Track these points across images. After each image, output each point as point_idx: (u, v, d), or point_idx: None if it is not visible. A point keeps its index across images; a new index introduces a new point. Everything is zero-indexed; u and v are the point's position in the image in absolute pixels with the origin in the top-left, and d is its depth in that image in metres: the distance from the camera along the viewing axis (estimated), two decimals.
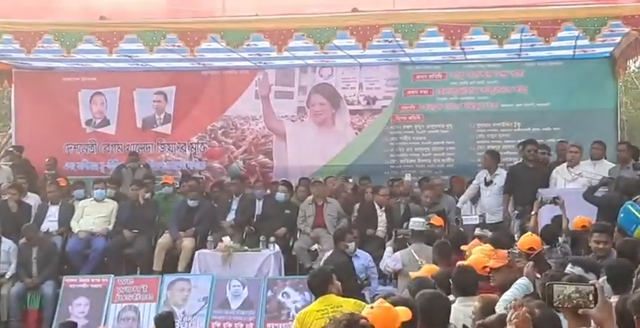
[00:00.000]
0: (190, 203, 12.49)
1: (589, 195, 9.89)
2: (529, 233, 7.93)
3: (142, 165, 13.95)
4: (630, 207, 7.98)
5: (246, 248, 11.75)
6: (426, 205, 11.81)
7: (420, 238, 9.83)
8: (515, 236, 9.14)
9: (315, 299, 6.99)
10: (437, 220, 10.57)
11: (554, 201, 9.01)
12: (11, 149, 14.27)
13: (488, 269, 6.68)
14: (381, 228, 11.81)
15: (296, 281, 11.15)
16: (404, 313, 4.20)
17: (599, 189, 10.09)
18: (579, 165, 11.18)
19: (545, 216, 9.33)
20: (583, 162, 11.26)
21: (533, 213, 9.23)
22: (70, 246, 12.05)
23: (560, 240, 8.39)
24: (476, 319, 5.07)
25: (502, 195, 11.81)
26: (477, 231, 9.89)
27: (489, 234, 9.63)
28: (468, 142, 13.94)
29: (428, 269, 7.45)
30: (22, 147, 14.16)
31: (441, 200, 12.12)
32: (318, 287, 6.96)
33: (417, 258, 9.05)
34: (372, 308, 4.20)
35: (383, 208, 11.77)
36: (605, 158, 11.41)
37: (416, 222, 9.91)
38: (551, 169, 11.57)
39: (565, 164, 11.36)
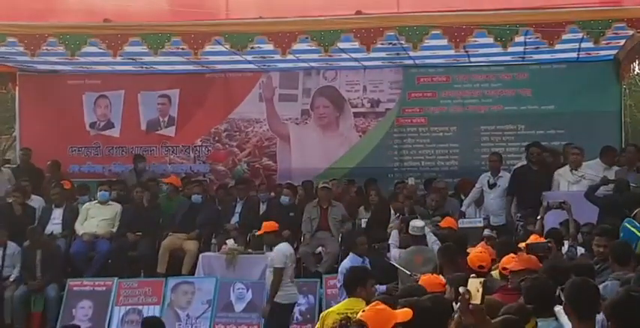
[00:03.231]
0: (194, 198, 12.49)
1: (590, 194, 9.89)
2: (534, 236, 7.92)
3: (148, 168, 14.00)
4: (628, 225, 7.96)
5: (250, 250, 11.75)
6: (431, 208, 11.79)
7: (418, 242, 9.79)
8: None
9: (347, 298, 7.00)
10: (449, 221, 10.51)
11: (561, 205, 8.97)
12: (22, 151, 14.26)
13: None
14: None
15: (300, 284, 11.13)
16: (404, 314, 4.20)
17: (600, 189, 10.09)
18: (582, 167, 11.16)
19: (550, 220, 9.31)
20: (585, 164, 11.24)
21: (539, 217, 9.19)
22: (74, 248, 12.04)
23: (567, 244, 8.36)
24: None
25: (505, 197, 11.82)
26: (487, 232, 9.88)
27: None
28: (472, 145, 13.94)
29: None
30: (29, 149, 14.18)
31: (445, 203, 12.10)
32: (348, 286, 7.00)
33: (408, 273, 8.96)
34: (363, 311, 4.29)
35: (398, 214, 11.54)
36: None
37: (414, 227, 9.86)
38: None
39: (568, 166, 11.35)
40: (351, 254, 9.57)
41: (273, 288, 9.80)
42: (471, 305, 3.78)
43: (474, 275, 4.16)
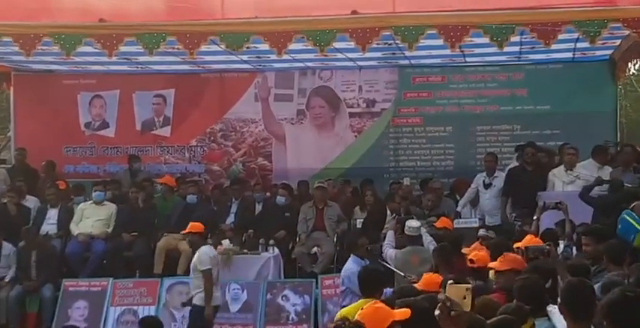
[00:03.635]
0: (189, 198, 12.50)
1: (585, 195, 9.89)
2: (530, 236, 7.92)
3: (143, 168, 13.97)
4: (627, 217, 7.96)
5: (245, 251, 11.74)
6: (427, 208, 11.78)
7: (415, 242, 9.78)
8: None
9: (362, 297, 6.89)
10: (444, 221, 10.49)
11: (557, 206, 8.96)
12: (17, 151, 14.21)
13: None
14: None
15: (295, 284, 11.15)
16: (402, 313, 4.18)
17: (595, 189, 10.09)
18: (576, 168, 11.17)
19: (546, 221, 9.29)
20: (579, 164, 11.25)
21: (535, 217, 9.19)
22: (70, 249, 12.02)
23: (562, 244, 8.35)
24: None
25: (500, 198, 11.82)
26: (482, 232, 9.87)
27: (494, 235, 9.63)
28: (467, 145, 13.94)
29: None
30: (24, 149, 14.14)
31: (441, 203, 12.10)
32: (368, 287, 6.95)
33: (402, 274, 8.94)
34: (362, 309, 4.28)
35: (394, 215, 11.54)
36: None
37: (410, 228, 9.84)
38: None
39: (562, 166, 11.35)
40: (352, 256, 9.43)
41: (209, 291, 9.73)
42: (452, 312, 3.56)
43: (451, 281, 3.90)
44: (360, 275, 7.36)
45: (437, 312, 3.61)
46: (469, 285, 3.77)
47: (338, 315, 6.65)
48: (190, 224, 10.23)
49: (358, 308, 6.36)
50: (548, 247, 7.15)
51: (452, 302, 3.57)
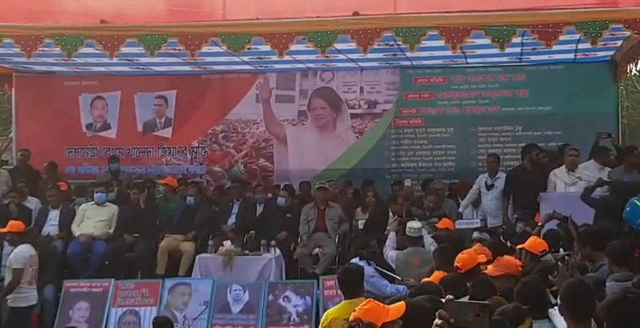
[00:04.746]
0: (189, 200, 12.51)
1: (586, 196, 9.88)
2: (533, 237, 7.93)
3: (122, 169, 14.06)
4: (637, 202, 7.97)
5: (247, 252, 11.74)
6: (429, 209, 11.77)
7: (416, 243, 9.78)
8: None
9: (345, 298, 6.79)
10: (446, 222, 10.48)
11: (565, 219, 8.90)
12: (21, 152, 14.21)
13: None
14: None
15: (297, 285, 11.15)
16: (395, 309, 4.12)
17: (596, 191, 10.07)
18: (578, 169, 11.16)
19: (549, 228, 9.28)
20: (581, 166, 11.23)
21: (540, 224, 9.18)
22: (71, 249, 12.03)
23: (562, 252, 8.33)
24: None
25: (502, 199, 11.81)
26: (476, 235, 9.86)
27: (488, 237, 9.62)
28: (469, 146, 13.94)
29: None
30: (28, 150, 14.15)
31: (442, 204, 12.09)
32: (348, 286, 6.81)
33: (399, 277, 8.91)
34: (354, 311, 4.24)
35: (396, 217, 11.51)
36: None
37: (411, 229, 9.84)
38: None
39: (563, 167, 11.33)
40: (359, 258, 9.37)
41: (8, 289, 9.99)
42: None
43: (450, 296, 3.57)
44: (339, 276, 7.16)
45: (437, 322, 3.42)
46: (486, 302, 3.49)
47: (324, 316, 6.57)
48: (10, 223, 10.48)
49: (343, 309, 6.36)
50: (566, 257, 7.11)
51: (455, 318, 3.37)
